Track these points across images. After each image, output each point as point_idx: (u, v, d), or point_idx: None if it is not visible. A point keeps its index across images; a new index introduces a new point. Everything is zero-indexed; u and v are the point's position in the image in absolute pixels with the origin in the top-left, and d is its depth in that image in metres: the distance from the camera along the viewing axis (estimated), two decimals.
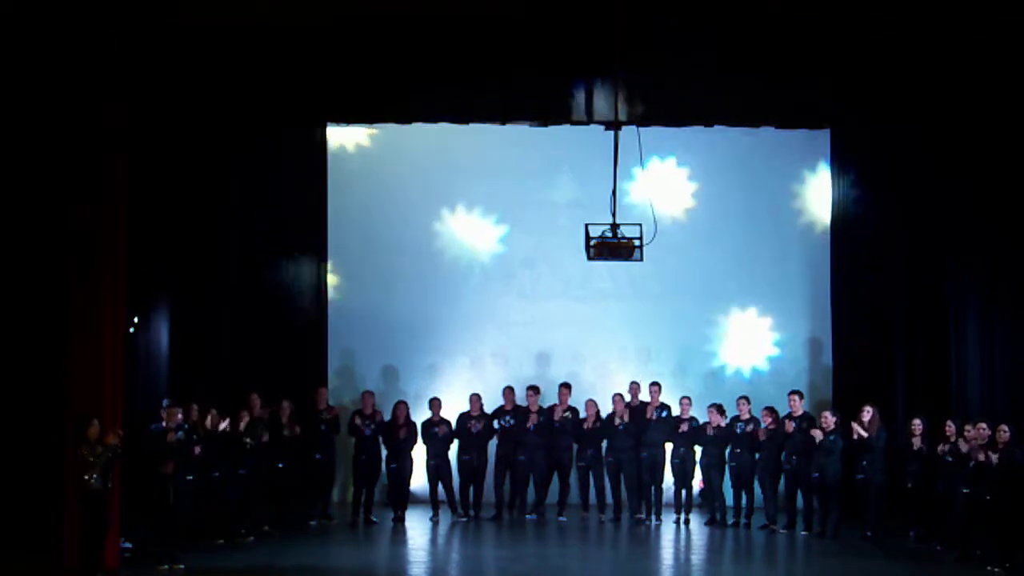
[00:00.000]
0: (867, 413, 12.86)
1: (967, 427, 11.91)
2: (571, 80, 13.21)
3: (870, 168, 14.79)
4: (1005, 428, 11.50)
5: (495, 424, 14.25)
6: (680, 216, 15.66)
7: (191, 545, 11.32)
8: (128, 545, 10.97)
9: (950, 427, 12.43)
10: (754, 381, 15.48)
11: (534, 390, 14.34)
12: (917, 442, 12.62)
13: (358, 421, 13.78)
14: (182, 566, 10.76)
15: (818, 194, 15.56)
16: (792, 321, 15.70)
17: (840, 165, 15.19)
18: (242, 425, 12.42)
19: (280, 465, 13.01)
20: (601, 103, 13.13)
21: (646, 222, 11.96)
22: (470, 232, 15.84)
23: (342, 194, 15.46)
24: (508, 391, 14.44)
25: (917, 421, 12.77)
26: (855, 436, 12.78)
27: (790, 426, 13.28)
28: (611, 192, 11.82)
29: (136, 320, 12.00)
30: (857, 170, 14.95)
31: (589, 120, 13.76)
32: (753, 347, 15.65)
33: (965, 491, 11.65)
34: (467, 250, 15.85)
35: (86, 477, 10.21)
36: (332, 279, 15.51)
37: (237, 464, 12.20)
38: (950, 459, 12.04)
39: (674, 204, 15.58)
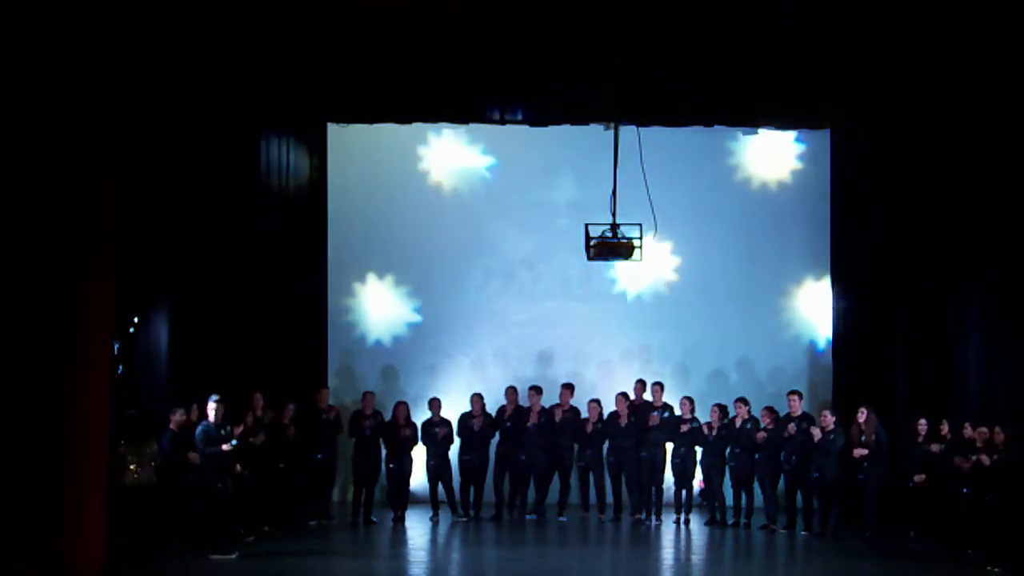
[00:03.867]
0: (862, 414, 12.87)
1: (965, 427, 11.94)
2: (571, 80, 13.20)
3: (870, 168, 14.80)
4: (1000, 430, 11.55)
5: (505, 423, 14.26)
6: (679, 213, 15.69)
7: (191, 546, 11.34)
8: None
9: (945, 427, 12.47)
10: (754, 381, 15.48)
11: (536, 390, 14.34)
12: (922, 442, 12.63)
13: (367, 423, 13.77)
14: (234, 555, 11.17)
15: (818, 194, 15.55)
16: (792, 321, 15.71)
17: (840, 165, 15.20)
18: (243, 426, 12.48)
19: (281, 466, 13.02)
20: (601, 103, 13.12)
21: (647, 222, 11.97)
22: (470, 232, 15.84)
23: (342, 194, 15.48)
24: (511, 391, 14.43)
25: (923, 421, 12.77)
26: (858, 454, 12.77)
27: (792, 428, 13.27)
28: (611, 192, 11.81)
29: (136, 320, 11.99)
30: (857, 170, 14.96)
31: (589, 120, 13.75)
32: (754, 347, 15.64)
33: (965, 491, 11.67)
34: (467, 249, 15.85)
35: (132, 468, 10.63)
36: (332, 279, 15.51)
37: (240, 464, 12.20)
38: (946, 459, 12.08)
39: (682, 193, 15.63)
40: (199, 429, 11.49)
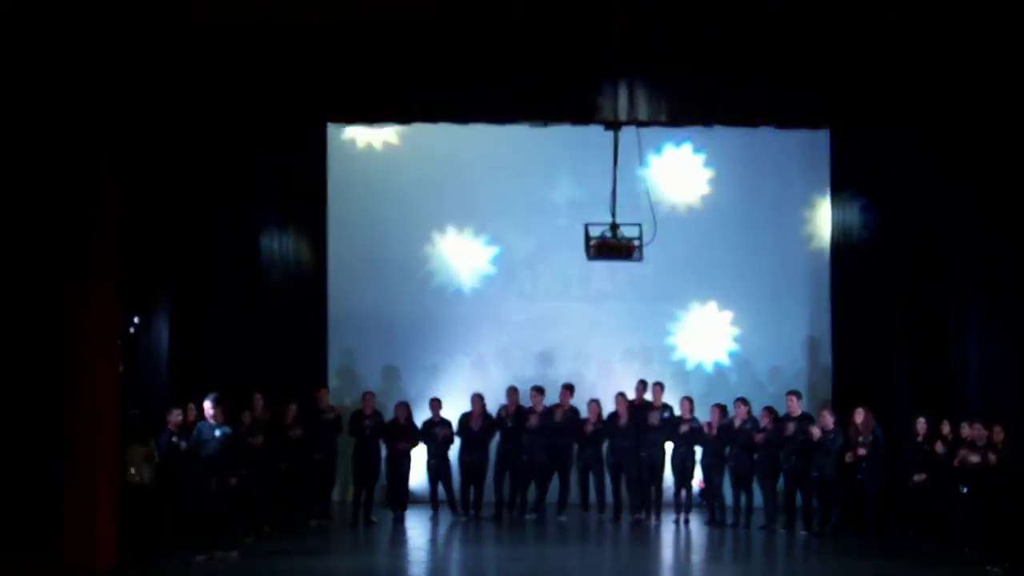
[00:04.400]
0: (859, 415, 12.86)
1: (963, 426, 11.94)
2: (571, 80, 13.20)
3: (870, 168, 14.79)
4: (1000, 429, 11.55)
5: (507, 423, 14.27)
6: (680, 212, 15.68)
7: (190, 545, 11.34)
8: None
9: (946, 427, 12.47)
10: (754, 381, 15.48)
11: (538, 391, 14.33)
12: (922, 441, 12.63)
13: (368, 423, 13.76)
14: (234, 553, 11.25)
15: (819, 194, 15.54)
16: (792, 321, 15.71)
17: (840, 166, 15.20)
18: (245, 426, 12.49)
19: (281, 467, 13.03)
20: (601, 103, 13.12)
21: (646, 221, 11.97)
22: (470, 232, 15.84)
23: (342, 194, 15.48)
24: (511, 391, 14.43)
25: (921, 420, 12.77)
26: (849, 457, 12.76)
27: (791, 428, 13.27)
28: (611, 192, 11.83)
29: (136, 320, 11.99)
30: (857, 170, 14.95)
31: (589, 120, 13.75)
32: (754, 347, 15.64)
33: (964, 491, 11.67)
34: (467, 250, 15.85)
35: (132, 471, 10.63)
36: (333, 279, 15.51)
37: (239, 464, 12.20)
38: (946, 459, 12.09)
39: (684, 194, 15.63)
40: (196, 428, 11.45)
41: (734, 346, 15.70)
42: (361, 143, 15.72)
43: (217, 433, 11.40)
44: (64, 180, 10.76)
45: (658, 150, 15.25)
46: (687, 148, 15.82)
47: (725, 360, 15.74)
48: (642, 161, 11.83)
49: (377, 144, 15.72)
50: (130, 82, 10.93)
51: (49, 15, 10.46)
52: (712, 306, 15.74)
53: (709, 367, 15.71)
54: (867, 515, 12.85)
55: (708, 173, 15.90)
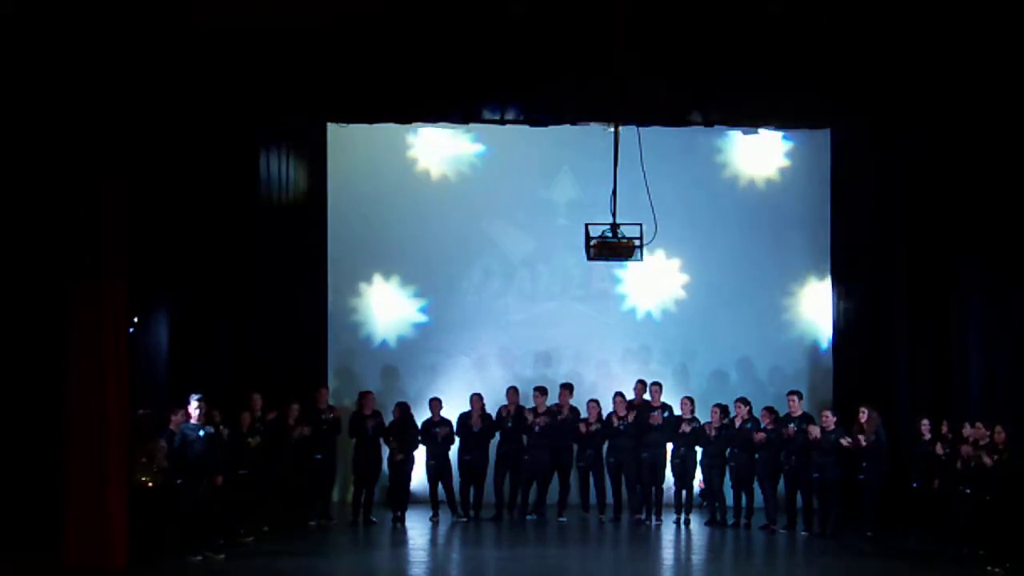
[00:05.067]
0: (863, 414, 12.87)
1: (965, 426, 11.94)
2: (571, 80, 13.20)
3: (870, 168, 14.80)
4: (1000, 429, 11.55)
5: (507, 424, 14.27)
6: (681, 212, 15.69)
7: (190, 545, 11.35)
8: None
9: (945, 427, 12.47)
10: (754, 381, 15.48)
11: (540, 391, 14.32)
12: (926, 442, 12.64)
13: (369, 423, 13.76)
14: (222, 556, 11.24)
15: (818, 194, 15.54)
16: (792, 321, 15.71)
17: (840, 165, 15.20)
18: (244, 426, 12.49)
19: (284, 467, 13.05)
20: (601, 103, 13.13)
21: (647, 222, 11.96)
22: (470, 231, 15.84)
23: (342, 193, 15.48)
24: (512, 391, 14.43)
25: (926, 421, 12.77)
26: (846, 442, 12.78)
27: (791, 431, 13.27)
28: (611, 192, 11.81)
29: (136, 320, 11.99)
30: (857, 170, 14.96)
31: (589, 120, 13.75)
32: (754, 347, 15.64)
33: (966, 491, 11.67)
34: (468, 249, 15.84)
35: (143, 478, 10.71)
36: (332, 279, 15.51)
37: (239, 465, 12.20)
38: (947, 459, 12.09)
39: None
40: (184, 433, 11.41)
41: (734, 346, 15.67)
42: (360, 143, 15.69)
43: (201, 433, 11.37)
44: (65, 179, 10.77)
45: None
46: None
47: (725, 360, 15.71)
48: (642, 161, 11.78)
49: (377, 144, 15.69)
50: (132, 82, 10.94)
51: (52, 15, 10.47)
52: (712, 306, 15.71)
53: (709, 367, 15.68)
54: (867, 515, 12.87)
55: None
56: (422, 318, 15.80)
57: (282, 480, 13.15)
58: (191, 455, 11.27)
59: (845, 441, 12.73)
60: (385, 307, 15.80)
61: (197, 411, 11.37)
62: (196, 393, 11.50)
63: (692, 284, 15.73)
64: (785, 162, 15.80)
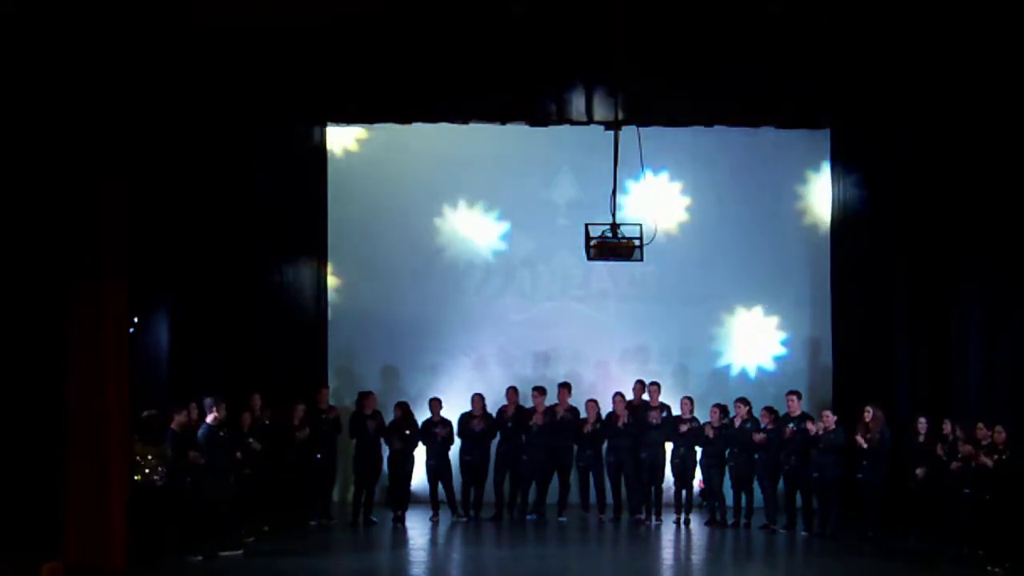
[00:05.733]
0: (868, 413, 12.87)
1: (979, 428, 11.95)
2: (571, 80, 13.20)
3: (871, 168, 14.80)
4: (1001, 429, 11.55)
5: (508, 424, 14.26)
6: (679, 218, 15.69)
7: (195, 544, 11.36)
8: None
9: (947, 426, 12.47)
10: (754, 382, 15.48)
11: (540, 391, 14.32)
12: (923, 442, 12.65)
13: (370, 424, 13.77)
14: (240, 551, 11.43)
15: (819, 194, 15.54)
16: (792, 321, 15.71)
17: (840, 165, 15.20)
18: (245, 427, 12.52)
19: (288, 467, 13.08)
20: (601, 103, 13.13)
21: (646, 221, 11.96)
22: (470, 232, 15.85)
23: (342, 193, 15.48)
24: (512, 391, 14.43)
25: (923, 420, 12.78)
26: (858, 443, 12.80)
27: (790, 431, 13.27)
28: (611, 192, 11.81)
29: (136, 320, 12.00)
30: (858, 170, 14.96)
31: (589, 120, 13.76)
32: (754, 347, 15.64)
33: (966, 491, 11.67)
34: (467, 250, 15.85)
35: (147, 472, 10.76)
36: (332, 279, 15.52)
37: (240, 465, 12.21)
38: (947, 459, 12.09)
39: (670, 215, 15.57)
40: (201, 432, 11.48)
41: (734, 346, 15.68)
42: (360, 143, 15.69)
43: (221, 434, 11.61)
44: (65, 180, 10.77)
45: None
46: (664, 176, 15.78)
47: (725, 360, 15.71)
48: (642, 161, 11.80)
49: (377, 144, 15.69)
50: (132, 82, 10.93)
51: (52, 15, 10.47)
52: (712, 306, 15.71)
53: (709, 367, 15.68)
54: (868, 515, 12.87)
55: (686, 200, 15.86)
56: (422, 318, 15.79)
57: (283, 480, 13.15)
58: (210, 455, 11.39)
59: (862, 441, 12.74)
60: (385, 307, 15.78)
61: (216, 413, 11.49)
62: (207, 395, 11.63)
63: (693, 284, 15.72)
64: (784, 161, 15.78)
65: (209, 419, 11.51)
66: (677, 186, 15.71)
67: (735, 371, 15.66)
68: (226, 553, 11.32)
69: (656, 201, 14.88)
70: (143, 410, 11.33)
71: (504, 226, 15.86)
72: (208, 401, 11.58)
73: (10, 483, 10.99)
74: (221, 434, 11.62)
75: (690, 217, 15.63)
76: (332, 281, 15.53)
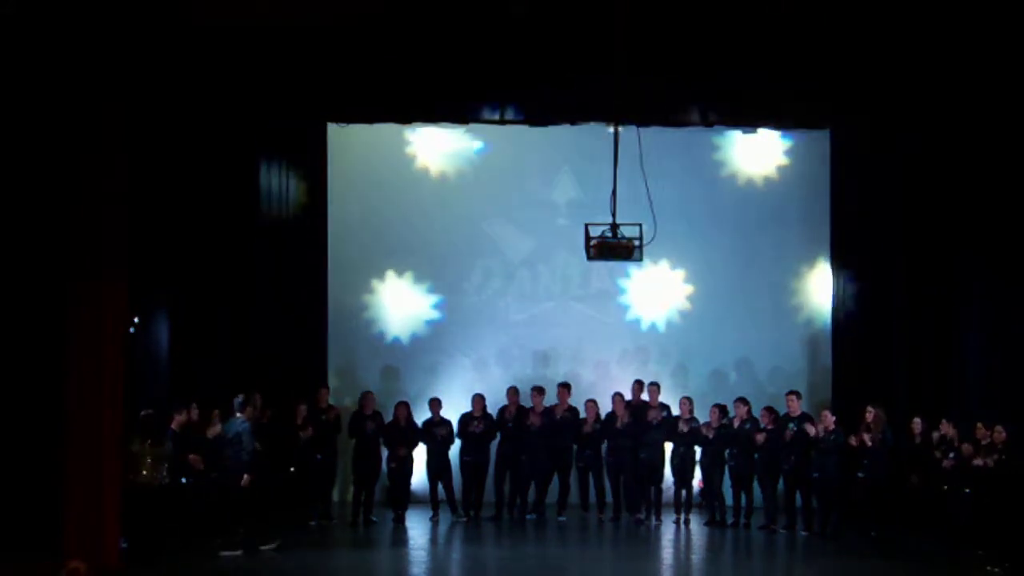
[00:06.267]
0: (870, 414, 12.86)
1: (979, 427, 11.96)
2: (571, 80, 13.20)
3: (871, 168, 14.79)
4: (1001, 429, 11.55)
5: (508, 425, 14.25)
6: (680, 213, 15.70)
7: (190, 545, 11.35)
8: (124, 545, 10.97)
9: (946, 426, 12.47)
10: (754, 381, 15.48)
11: (539, 391, 14.32)
12: (919, 443, 12.65)
13: (369, 424, 13.76)
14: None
15: (818, 194, 15.54)
16: (792, 321, 15.71)
17: (840, 165, 15.20)
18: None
19: (291, 468, 13.12)
20: (601, 103, 13.12)
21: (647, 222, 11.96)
22: (470, 231, 15.84)
23: (343, 194, 15.48)
24: (512, 391, 14.42)
25: (917, 420, 12.78)
26: (855, 442, 12.80)
27: (789, 434, 13.26)
28: (611, 192, 11.81)
29: (136, 320, 12.00)
30: (857, 170, 14.96)
31: (589, 120, 13.75)
32: (754, 347, 15.64)
33: (966, 491, 11.67)
34: (468, 249, 15.85)
35: (144, 472, 10.83)
36: (332, 279, 15.51)
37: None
38: (948, 460, 12.09)
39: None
40: (241, 430, 11.53)
41: (734, 346, 15.67)
42: (360, 143, 15.68)
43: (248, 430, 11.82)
44: (65, 180, 10.77)
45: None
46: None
47: (725, 360, 15.71)
48: (642, 161, 11.78)
49: (377, 144, 15.69)
50: (132, 82, 10.93)
51: (52, 15, 10.47)
52: (712, 306, 15.71)
53: (709, 367, 15.68)
54: (869, 515, 12.86)
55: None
56: (422, 318, 15.81)
57: (283, 480, 13.15)
58: (239, 452, 11.53)
59: (854, 440, 12.72)
60: (385, 307, 15.80)
61: (245, 410, 11.64)
62: (239, 393, 11.84)
63: (692, 283, 15.74)
64: (784, 161, 15.81)
65: (242, 415, 11.60)
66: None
67: (734, 371, 15.65)
68: (265, 548, 11.54)
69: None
70: (142, 410, 11.32)
71: (504, 227, 15.86)
72: (238, 400, 11.68)
73: (10, 483, 10.99)
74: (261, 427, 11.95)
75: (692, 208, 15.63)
76: (332, 280, 15.50)
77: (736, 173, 15.81)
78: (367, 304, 15.80)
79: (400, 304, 15.79)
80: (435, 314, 15.81)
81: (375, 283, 15.81)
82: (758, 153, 15.74)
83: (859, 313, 14.91)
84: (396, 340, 15.78)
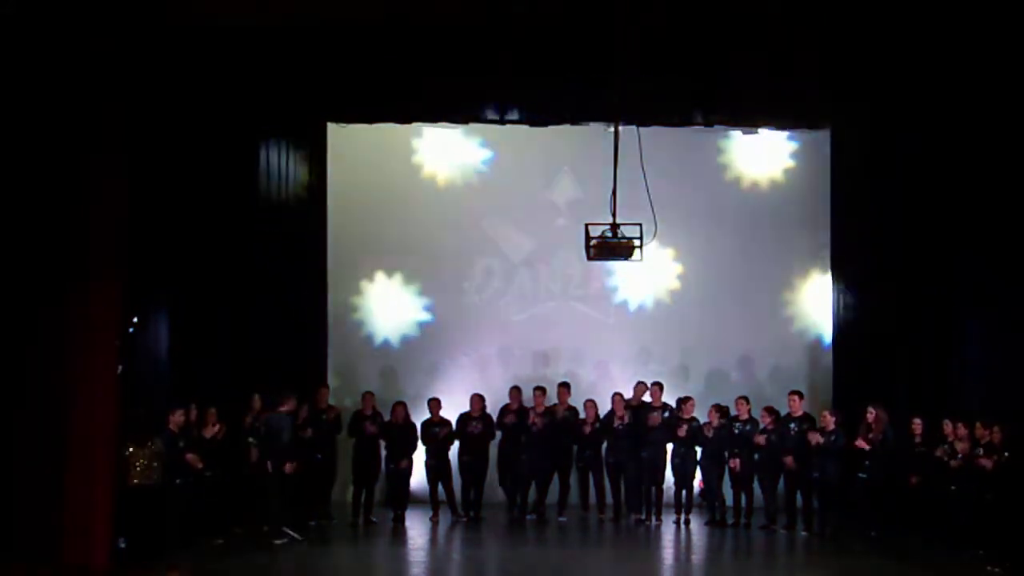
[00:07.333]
0: (871, 414, 12.86)
1: (949, 425, 11.96)
2: (571, 80, 13.20)
3: (870, 167, 14.80)
4: (1000, 429, 11.55)
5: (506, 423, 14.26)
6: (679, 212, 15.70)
7: (190, 545, 11.35)
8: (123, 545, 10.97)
9: (947, 426, 12.46)
10: (754, 381, 15.48)
11: (541, 391, 14.32)
12: (919, 443, 12.65)
13: (369, 424, 13.77)
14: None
15: (818, 194, 15.54)
16: (792, 321, 15.72)
17: (840, 165, 15.20)
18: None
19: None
20: (601, 103, 13.12)
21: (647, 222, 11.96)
22: (470, 231, 15.84)
23: (342, 194, 15.48)
24: (514, 391, 14.42)
25: (917, 421, 12.78)
26: (860, 445, 12.80)
27: (790, 433, 13.25)
28: (611, 192, 11.81)
29: (136, 320, 11.99)
30: (857, 169, 14.96)
31: (589, 120, 13.74)
32: (754, 347, 15.64)
33: (966, 491, 11.67)
34: (468, 249, 15.85)
35: (135, 472, 10.85)
36: (332, 279, 15.50)
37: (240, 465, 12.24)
38: (948, 460, 12.08)
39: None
40: (279, 422, 11.97)
41: (734, 346, 15.67)
42: (360, 143, 15.68)
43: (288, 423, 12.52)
44: (65, 180, 10.77)
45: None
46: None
47: (725, 360, 15.71)
48: (642, 161, 11.79)
49: (377, 144, 15.69)
50: (130, 82, 10.93)
51: (52, 15, 10.47)
52: (712, 306, 15.71)
53: (709, 367, 15.68)
54: (869, 515, 12.86)
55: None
56: (423, 318, 15.83)
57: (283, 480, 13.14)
58: (280, 443, 12.11)
59: (859, 444, 12.73)
60: (385, 307, 15.82)
61: (286, 404, 12.21)
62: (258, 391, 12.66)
63: (693, 284, 15.74)
64: (786, 162, 15.83)
65: (285, 408, 12.26)
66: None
67: (735, 370, 15.65)
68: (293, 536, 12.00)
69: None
70: (136, 410, 11.32)
71: (504, 227, 15.86)
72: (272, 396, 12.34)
73: (10, 483, 10.97)
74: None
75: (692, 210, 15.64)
76: (332, 281, 15.50)
77: (739, 175, 15.82)
78: (367, 304, 15.79)
79: (400, 304, 15.78)
80: (435, 314, 15.80)
81: (375, 283, 15.81)
82: (761, 155, 15.74)
83: (860, 312, 14.90)
84: (396, 340, 15.78)
